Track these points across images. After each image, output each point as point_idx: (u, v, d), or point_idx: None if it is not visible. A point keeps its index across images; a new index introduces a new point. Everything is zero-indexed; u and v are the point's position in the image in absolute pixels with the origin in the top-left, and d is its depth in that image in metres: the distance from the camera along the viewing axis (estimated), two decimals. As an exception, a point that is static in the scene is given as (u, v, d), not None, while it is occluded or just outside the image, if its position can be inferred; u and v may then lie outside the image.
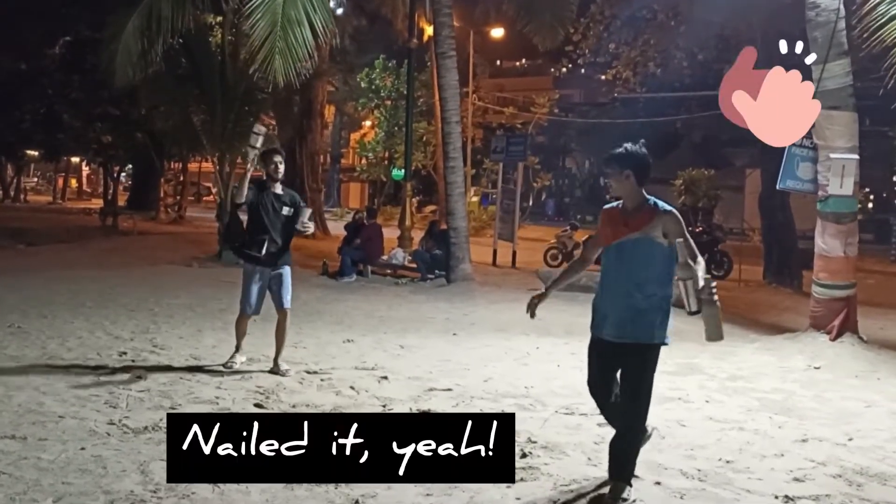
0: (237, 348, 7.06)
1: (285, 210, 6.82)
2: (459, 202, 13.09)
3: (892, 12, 5.54)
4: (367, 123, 44.88)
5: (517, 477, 4.57)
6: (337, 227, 28.47)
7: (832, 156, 7.85)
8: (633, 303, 4.29)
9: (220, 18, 20.26)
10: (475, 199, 37.80)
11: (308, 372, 6.94)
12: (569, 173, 58.20)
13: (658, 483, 4.61)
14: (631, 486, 4.36)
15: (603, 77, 25.36)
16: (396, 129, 37.57)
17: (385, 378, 6.80)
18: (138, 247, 19.79)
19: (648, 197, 4.37)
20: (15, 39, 26.75)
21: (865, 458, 5.18)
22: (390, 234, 17.06)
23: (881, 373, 7.47)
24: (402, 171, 42.48)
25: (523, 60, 60.56)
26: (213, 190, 54.55)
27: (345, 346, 8.24)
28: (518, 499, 4.28)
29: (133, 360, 7.12)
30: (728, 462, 5.01)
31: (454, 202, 13.04)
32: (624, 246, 4.35)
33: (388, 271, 14.64)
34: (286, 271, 6.91)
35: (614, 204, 4.50)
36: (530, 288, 13.21)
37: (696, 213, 29.21)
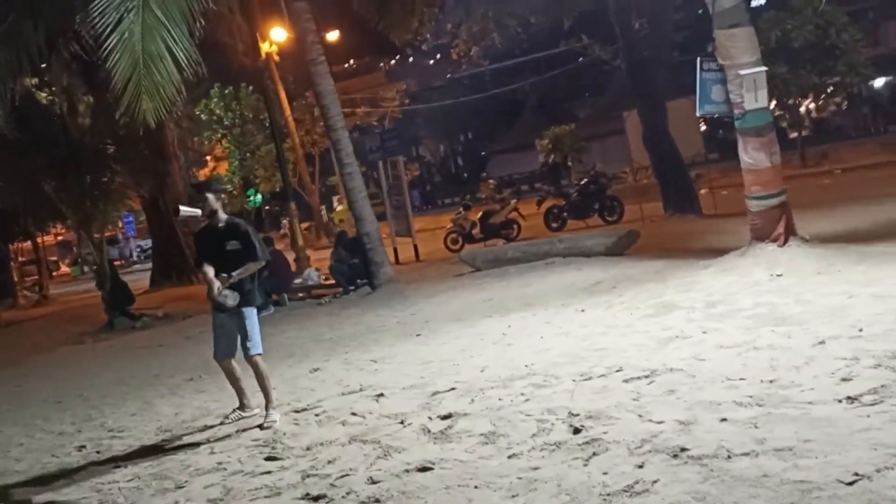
0: (239, 398, 6.49)
1: (230, 245, 6.22)
2: (366, 207, 12.68)
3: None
4: (208, 158, 43.63)
5: (589, 452, 4.39)
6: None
7: (741, 72, 8.05)
8: None
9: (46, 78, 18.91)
10: (340, 207, 37.32)
11: (296, 411, 6.45)
12: (424, 161, 58.51)
13: (724, 419, 4.51)
14: None
15: (452, 55, 25.43)
16: (249, 154, 36.54)
17: (381, 395, 6.41)
18: (15, 338, 18.18)
19: None
20: None
21: (888, 342, 5.29)
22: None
23: (838, 265, 7.74)
24: (259, 195, 41.42)
25: (351, 61, 60.25)
26: (66, 261, 51.36)
27: (314, 375, 7.76)
28: (605, 473, 4.07)
29: (98, 452, 6.41)
30: (771, 381, 4.98)
31: (360, 207, 12.62)
32: None
33: (302, 294, 14.08)
34: (246, 313, 6.25)
35: None
36: (456, 273, 13.07)
37: (564, 167, 30.04)
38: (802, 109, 50.75)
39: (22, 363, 12.94)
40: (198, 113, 35.37)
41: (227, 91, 35.21)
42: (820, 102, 44.39)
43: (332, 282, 13.66)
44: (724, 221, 14.29)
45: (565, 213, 18.94)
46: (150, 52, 8.22)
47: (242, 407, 6.57)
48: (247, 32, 22.11)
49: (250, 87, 35.12)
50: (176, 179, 25.42)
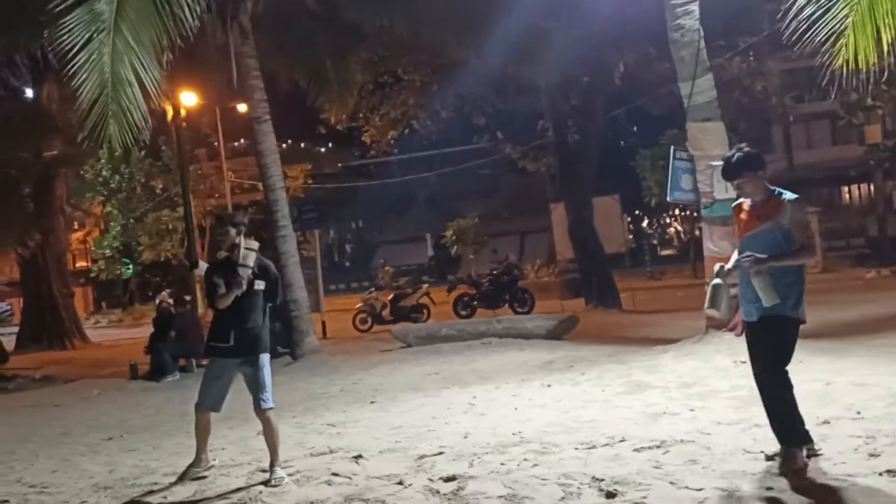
0: (198, 453, 5.78)
1: (257, 284, 5.59)
2: (296, 272, 12.16)
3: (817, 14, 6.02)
4: (75, 223, 41.83)
5: (641, 515, 4.14)
6: (93, 334, 25.45)
7: (713, 163, 8.33)
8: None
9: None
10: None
11: (263, 471, 5.82)
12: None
13: (770, 488, 4.37)
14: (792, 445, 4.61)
15: (365, 139, 25.42)
16: (133, 221, 34.95)
17: (360, 457, 5.90)
18: None
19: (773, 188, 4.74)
20: None
21: (890, 424, 5.35)
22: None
23: (799, 356, 7.80)
24: (131, 266, 39.34)
25: (241, 140, 59.53)
26: None
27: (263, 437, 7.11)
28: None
29: (27, 506, 5.56)
30: (797, 454, 4.89)
31: (290, 272, 12.08)
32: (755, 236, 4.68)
33: (212, 361, 13.18)
34: (262, 360, 5.58)
35: (741, 200, 4.85)
36: (382, 349, 12.61)
37: (467, 260, 30.25)
38: (672, 230, 54.12)
39: None
40: (82, 173, 33.77)
41: (116, 153, 33.87)
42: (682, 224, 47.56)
43: (249, 349, 12.86)
44: (647, 316, 14.63)
45: (475, 302, 18.89)
46: (118, 76, 7.73)
47: (198, 462, 5.89)
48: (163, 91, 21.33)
49: (142, 152, 33.82)
50: (60, 236, 23.86)
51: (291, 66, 15.27)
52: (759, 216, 4.64)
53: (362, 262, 52.76)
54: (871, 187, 31.45)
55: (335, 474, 5.52)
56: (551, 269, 24.18)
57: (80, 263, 45.45)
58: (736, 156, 4.69)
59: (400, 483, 5.14)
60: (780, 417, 4.70)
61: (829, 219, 28.49)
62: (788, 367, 4.78)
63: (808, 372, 7.26)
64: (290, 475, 5.60)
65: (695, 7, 8.31)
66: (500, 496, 4.68)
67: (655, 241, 49.37)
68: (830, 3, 5.79)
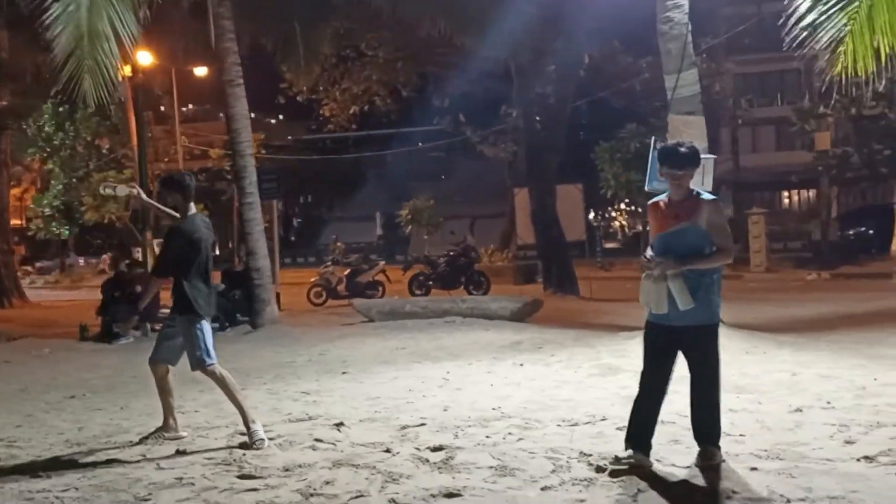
0: (165, 417, 5.71)
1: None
2: (261, 240, 11.99)
3: (819, 20, 6.10)
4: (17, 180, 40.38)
5: (633, 489, 4.26)
6: (30, 294, 24.63)
7: (692, 155, 8.47)
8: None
9: None
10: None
11: (242, 433, 5.77)
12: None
13: (754, 468, 4.52)
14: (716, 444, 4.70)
15: (324, 112, 25.10)
16: (76, 180, 33.92)
17: (341, 424, 5.89)
18: None
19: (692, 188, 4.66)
20: None
21: (861, 414, 5.58)
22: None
23: (762, 347, 8.17)
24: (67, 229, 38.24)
25: (190, 106, 58.24)
26: None
27: (239, 402, 7.03)
28: None
29: (-2, 459, 5.41)
30: (775, 440, 5.07)
31: (255, 241, 11.91)
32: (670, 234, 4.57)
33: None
34: (184, 322, 5.60)
35: (658, 199, 4.74)
36: (344, 323, 12.56)
37: (419, 241, 30.23)
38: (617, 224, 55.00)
39: None
40: (25, 128, 32.63)
41: (61, 108, 32.77)
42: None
43: (208, 315, 12.66)
44: (604, 304, 14.85)
45: (430, 282, 18.91)
46: (95, 29, 7.47)
47: (165, 428, 5.81)
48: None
49: (89, 109, 32.75)
50: (2, 191, 23.10)
51: (260, 30, 15.01)
52: (676, 215, 4.54)
53: (309, 237, 52.34)
54: (813, 193, 32.38)
55: (318, 440, 5.50)
56: (505, 255, 24.33)
57: (15, 221, 44.02)
58: (687, 146, 4.64)
59: (387, 451, 5.15)
60: (716, 416, 4.75)
61: (771, 221, 29.32)
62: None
63: (773, 363, 7.53)
64: (271, 439, 5.56)
65: (685, 0, 8.43)
66: (491, 467, 4.74)
67: (601, 234, 50.17)
68: (831, 12, 5.92)
